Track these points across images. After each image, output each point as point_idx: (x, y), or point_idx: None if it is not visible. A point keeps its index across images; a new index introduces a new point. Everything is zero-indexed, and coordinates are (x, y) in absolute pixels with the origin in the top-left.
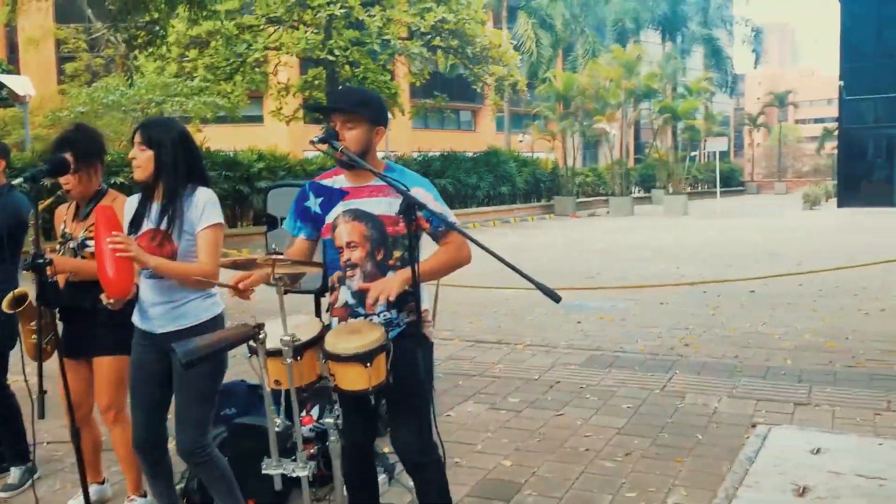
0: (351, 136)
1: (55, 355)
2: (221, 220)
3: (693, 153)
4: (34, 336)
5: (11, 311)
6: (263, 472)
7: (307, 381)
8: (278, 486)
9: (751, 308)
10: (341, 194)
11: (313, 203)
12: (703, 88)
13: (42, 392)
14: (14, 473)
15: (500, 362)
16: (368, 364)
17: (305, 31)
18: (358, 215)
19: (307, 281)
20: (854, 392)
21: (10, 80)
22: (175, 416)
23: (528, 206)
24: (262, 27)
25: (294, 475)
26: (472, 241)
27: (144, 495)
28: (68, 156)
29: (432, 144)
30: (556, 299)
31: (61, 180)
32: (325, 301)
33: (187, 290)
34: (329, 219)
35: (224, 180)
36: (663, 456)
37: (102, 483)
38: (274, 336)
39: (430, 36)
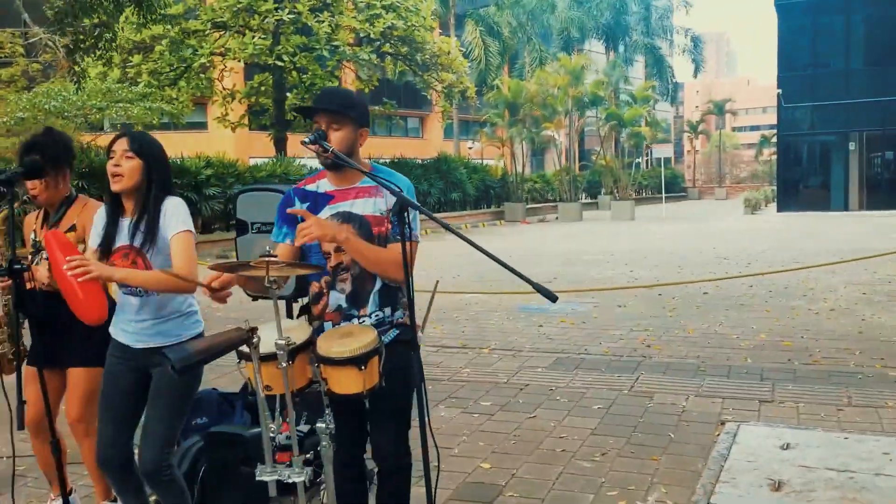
0: (337, 137)
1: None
2: (191, 227)
3: (636, 160)
4: (3, 345)
5: None
6: (258, 478)
7: (298, 385)
8: (273, 492)
9: (706, 310)
10: (327, 198)
11: (299, 208)
12: (647, 96)
13: (21, 402)
14: None
15: (467, 367)
16: (363, 367)
17: (253, 37)
18: (346, 217)
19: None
20: (815, 388)
21: None
22: (142, 431)
23: (479, 213)
24: (207, 32)
25: (290, 481)
26: (467, 241)
27: (115, 500)
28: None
29: (380, 151)
30: (553, 299)
31: (28, 185)
32: (296, 307)
33: (169, 306)
34: None
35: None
36: (639, 454)
37: (70, 493)
38: (265, 341)
39: (379, 42)
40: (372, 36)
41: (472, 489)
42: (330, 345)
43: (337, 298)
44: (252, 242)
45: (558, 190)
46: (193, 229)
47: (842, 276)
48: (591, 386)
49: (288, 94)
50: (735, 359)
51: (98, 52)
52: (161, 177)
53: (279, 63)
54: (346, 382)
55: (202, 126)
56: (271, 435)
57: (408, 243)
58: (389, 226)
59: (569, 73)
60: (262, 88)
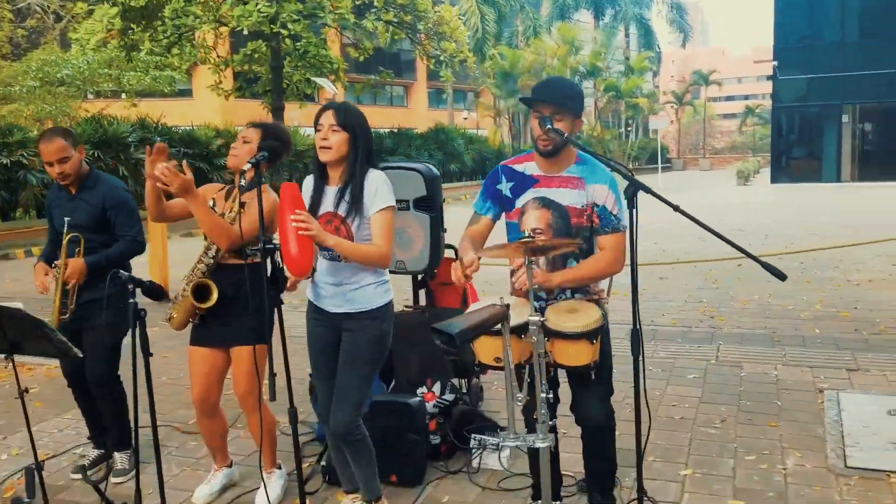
0: (558, 127)
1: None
2: (394, 202)
3: (621, 130)
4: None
5: (204, 306)
6: (501, 445)
7: (524, 357)
8: (506, 462)
9: (749, 282)
10: (532, 181)
11: (504, 186)
12: (645, 67)
13: (272, 374)
14: (120, 458)
15: None
16: (594, 341)
17: (256, 4)
18: (546, 203)
19: (413, 262)
20: (894, 357)
21: None
22: (336, 394)
23: (477, 184)
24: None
25: (536, 446)
26: (684, 212)
27: (279, 467)
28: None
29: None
30: (783, 277)
31: (233, 145)
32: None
33: (363, 273)
34: (519, 203)
35: (182, 157)
36: (755, 421)
37: (230, 466)
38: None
39: (381, 10)
40: (375, 4)
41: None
42: (561, 319)
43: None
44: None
45: None
46: (395, 203)
47: (865, 248)
48: (678, 356)
49: (283, 63)
50: (803, 329)
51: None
52: (365, 148)
53: (284, 31)
54: (577, 355)
55: (188, 94)
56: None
57: (621, 233)
58: (597, 219)
59: (567, 43)
60: (256, 56)
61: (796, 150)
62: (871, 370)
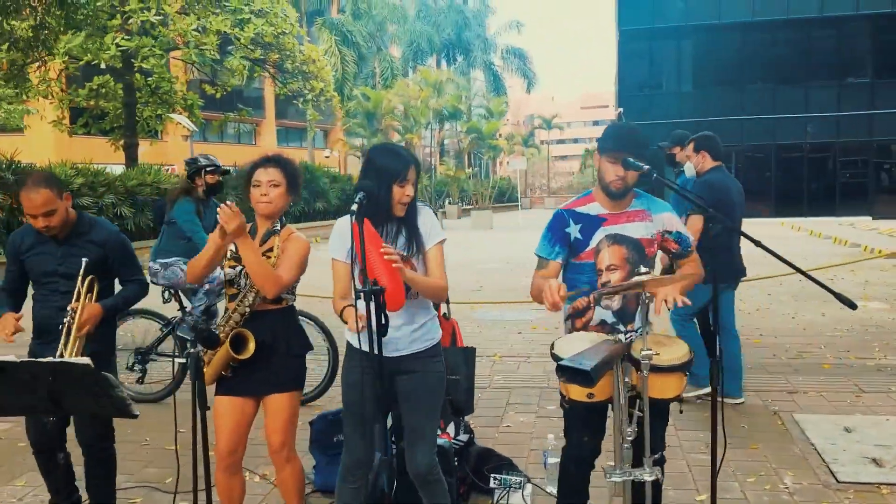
0: (631, 174)
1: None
2: (445, 236)
3: (477, 169)
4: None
5: (242, 357)
6: (607, 480)
7: (611, 392)
8: (528, 500)
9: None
10: (600, 221)
11: (574, 229)
12: (503, 111)
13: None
14: None
15: (497, 374)
16: (686, 373)
17: (114, 38)
18: (619, 239)
19: None
20: (821, 378)
21: None
22: (409, 435)
23: None
24: (60, 30)
25: (643, 480)
26: (765, 248)
27: None
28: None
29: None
30: (853, 307)
31: (260, 191)
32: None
33: (424, 310)
34: (592, 243)
35: None
36: (737, 445)
37: None
38: (570, 352)
39: (247, 49)
40: (242, 41)
41: None
42: (656, 352)
43: (602, 314)
44: None
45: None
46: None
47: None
48: None
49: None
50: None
51: None
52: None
53: (145, 66)
54: (669, 388)
55: (16, 130)
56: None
57: (693, 254)
58: (675, 244)
59: (430, 86)
60: (103, 91)
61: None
62: (809, 392)
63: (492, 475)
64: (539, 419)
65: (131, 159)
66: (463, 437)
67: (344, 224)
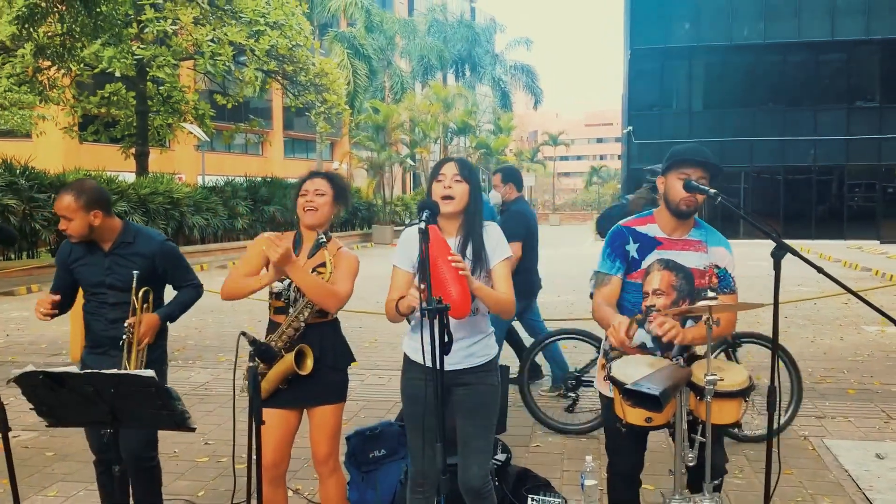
0: (700, 196)
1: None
2: (511, 253)
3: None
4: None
5: (304, 371)
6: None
7: (668, 419)
8: None
9: None
10: (655, 243)
11: (632, 248)
12: (511, 127)
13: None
14: None
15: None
16: (747, 399)
17: (131, 47)
18: (670, 265)
19: None
20: (848, 403)
21: None
22: (463, 448)
23: (349, 234)
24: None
25: None
26: (813, 265)
27: None
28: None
29: (218, 168)
30: None
31: (307, 199)
32: None
33: (482, 325)
34: (644, 264)
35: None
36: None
37: None
38: (630, 376)
39: (263, 61)
40: (257, 53)
41: None
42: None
43: (643, 336)
44: None
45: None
46: (511, 253)
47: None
48: None
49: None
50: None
51: None
52: (478, 201)
53: (161, 75)
54: (728, 413)
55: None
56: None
57: (735, 294)
58: (715, 279)
59: (440, 101)
60: (114, 98)
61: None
62: (836, 417)
63: (530, 496)
64: (568, 439)
65: (142, 168)
66: (500, 456)
67: (411, 233)
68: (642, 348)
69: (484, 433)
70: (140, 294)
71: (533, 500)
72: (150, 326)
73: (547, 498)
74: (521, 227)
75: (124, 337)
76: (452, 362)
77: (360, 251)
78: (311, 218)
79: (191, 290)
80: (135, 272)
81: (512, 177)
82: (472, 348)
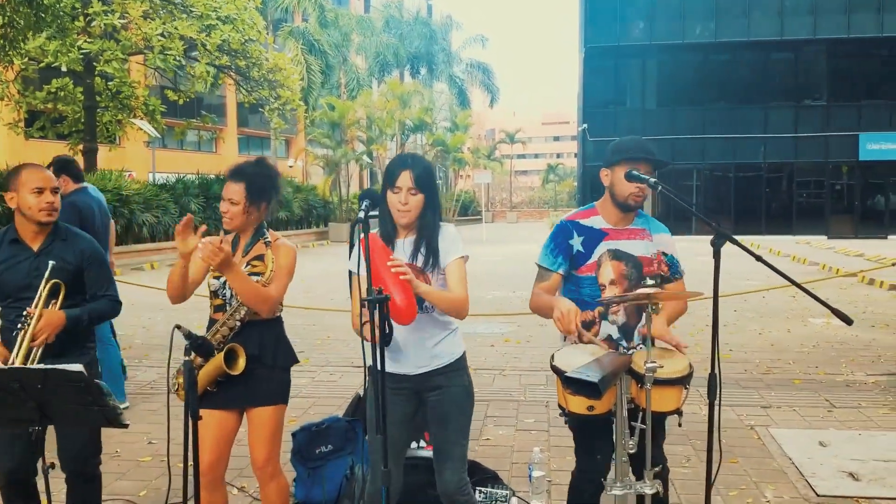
0: (645, 187)
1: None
2: (466, 253)
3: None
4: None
5: (235, 372)
6: (609, 493)
7: (611, 405)
8: None
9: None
10: (601, 234)
11: (577, 241)
12: (468, 124)
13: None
14: None
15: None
16: (687, 387)
17: (75, 41)
18: (618, 255)
19: None
20: (794, 393)
21: None
22: (437, 454)
23: (305, 232)
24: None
25: (644, 493)
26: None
27: None
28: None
29: (171, 166)
30: (849, 322)
31: (222, 208)
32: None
33: (441, 324)
34: (594, 257)
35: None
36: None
37: None
38: (572, 364)
39: (214, 55)
40: (208, 48)
41: None
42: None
43: (608, 329)
44: None
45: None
46: (467, 254)
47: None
48: None
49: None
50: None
51: None
52: (435, 204)
53: (108, 69)
54: (668, 400)
55: None
56: (633, 450)
57: (683, 279)
58: (665, 267)
59: (397, 98)
60: (62, 94)
61: None
62: (782, 407)
63: (478, 488)
64: (518, 432)
65: (91, 165)
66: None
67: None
68: (608, 340)
69: (459, 438)
70: (48, 285)
71: (481, 492)
72: (51, 323)
73: (494, 490)
74: (74, 217)
75: (18, 326)
76: (417, 366)
77: (317, 249)
78: (227, 226)
79: (108, 303)
80: (51, 262)
81: (67, 169)
82: (435, 349)
